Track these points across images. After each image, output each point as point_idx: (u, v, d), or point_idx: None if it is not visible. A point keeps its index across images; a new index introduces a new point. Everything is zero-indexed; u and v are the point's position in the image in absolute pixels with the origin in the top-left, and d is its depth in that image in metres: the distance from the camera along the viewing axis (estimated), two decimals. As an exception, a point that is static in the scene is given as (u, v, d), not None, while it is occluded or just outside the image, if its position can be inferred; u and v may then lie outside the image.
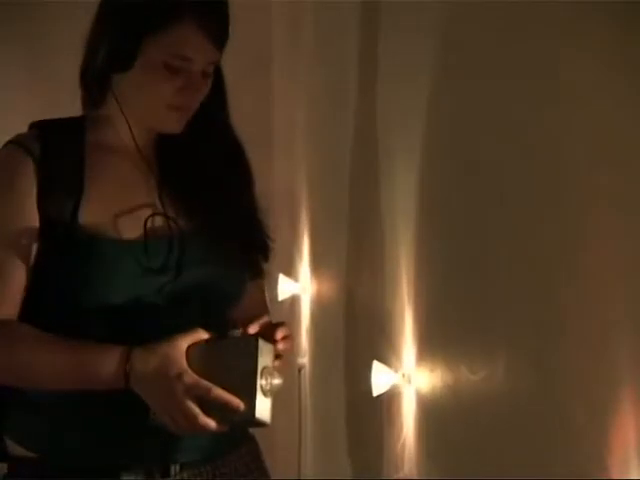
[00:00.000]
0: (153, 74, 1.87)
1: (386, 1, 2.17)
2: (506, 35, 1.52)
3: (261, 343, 1.81)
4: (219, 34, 1.91)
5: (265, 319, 1.89)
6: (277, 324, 1.91)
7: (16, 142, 1.93)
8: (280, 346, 1.87)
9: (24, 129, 1.97)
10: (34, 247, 1.90)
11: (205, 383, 1.79)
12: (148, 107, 1.92)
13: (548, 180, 1.40)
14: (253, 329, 1.85)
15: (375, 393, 2.05)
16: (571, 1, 1.32)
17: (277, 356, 1.87)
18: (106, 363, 1.81)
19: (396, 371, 2.04)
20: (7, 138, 1.96)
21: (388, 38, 2.17)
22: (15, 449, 1.96)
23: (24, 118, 2.01)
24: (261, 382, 1.79)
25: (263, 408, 1.80)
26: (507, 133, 1.54)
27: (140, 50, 1.87)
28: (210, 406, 1.79)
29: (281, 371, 1.88)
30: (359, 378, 2.20)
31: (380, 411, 2.19)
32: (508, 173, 1.54)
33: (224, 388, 1.79)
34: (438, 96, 1.86)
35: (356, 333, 2.44)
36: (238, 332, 1.84)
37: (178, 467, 1.93)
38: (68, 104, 2.00)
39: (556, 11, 1.35)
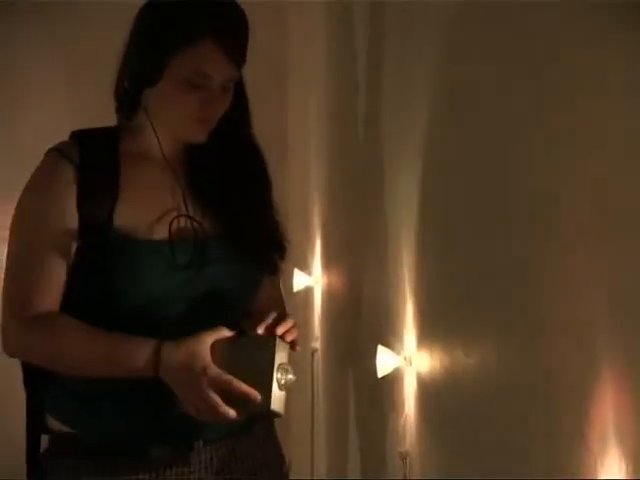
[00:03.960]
0: (177, 89, 1.87)
1: (392, 19, 2.17)
2: (508, 36, 1.48)
3: (278, 342, 1.82)
4: (237, 54, 1.89)
5: (272, 317, 1.88)
6: (280, 318, 1.90)
7: (57, 150, 1.92)
8: (287, 338, 1.87)
9: (65, 137, 1.97)
10: (73, 246, 1.89)
11: (227, 376, 1.80)
12: (173, 119, 1.91)
13: (541, 180, 1.39)
14: (260, 330, 1.86)
15: (380, 375, 2.04)
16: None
17: (292, 345, 1.89)
18: (139, 354, 1.82)
19: (398, 355, 2.04)
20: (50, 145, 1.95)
21: (394, 54, 2.16)
22: (55, 424, 1.96)
23: (66, 126, 2.01)
24: (277, 377, 1.80)
25: (278, 400, 1.81)
26: (504, 135, 1.53)
27: (165, 68, 1.86)
28: (230, 397, 1.79)
29: (291, 360, 1.90)
30: (365, 361, 2.20)
31: (384, 391, 2.19)
32: (502, 175, 1.54)
33: (243, 381, 1.79)
34: (439, 106, 1.85)
35: (362, 320, 2.44)
36: (257, 332, 1.85)
37: (201, 443, 1.93)
38: (107, 114, 2.00)
39: (558, 10, 1.30)
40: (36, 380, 2.01)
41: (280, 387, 1.81)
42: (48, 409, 1.98)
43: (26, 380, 2.03)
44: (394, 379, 2.07)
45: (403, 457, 2.03)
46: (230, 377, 1.79)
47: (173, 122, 1.91)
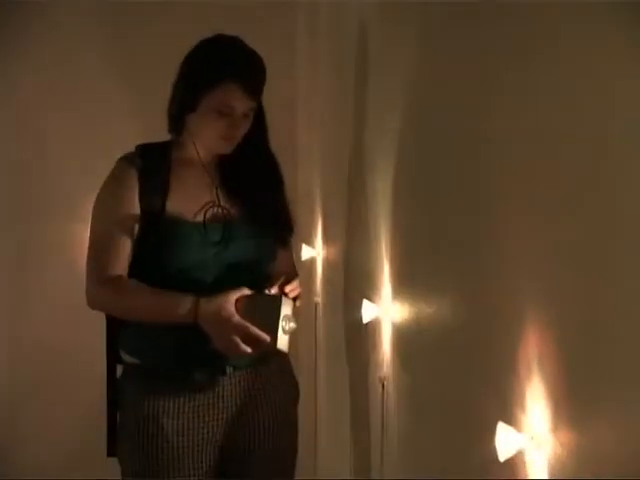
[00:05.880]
0: (209, 116, 1.89)
1: (374, 52, 2.13)
2: (478, 49, 1.40)
3: (284, 299, 1.85)
4: (254, 91, 1.91)
5: (281, 280, 1.90)
6: (288, 280, 1.92)
7: (125, 158, 1.95)
8: (291, 295, 1.89)
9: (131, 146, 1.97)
10: (136, 227, 1.89)
11: (245, 323, 1.82)
12: (206, 137, 1.92)
13: (486, 171, 1.36)
14: (273, 290, 1.88)
15: (364, 321, 2.03)
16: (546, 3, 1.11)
17: (296, 300, 1.92)
18: (182, 307, 1.84)
19: (378, 306, 2.02)
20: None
21: (376, 76, 2.13)
22: (126, 357, 1.97)
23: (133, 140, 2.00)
24: (282, 324, 1.82)
25: (283, 341, 1.84)
26: (460, 141, 1.50)
27: (201, 101, 1.87)
28: (248, 339, 1.82)
29: (299, 308, 1.92)
30: (354, 311, 2.18)
31: (367, 333, 2.17)
32: (457, 172, 1.50)
33: (257, 327, 1.81)
34: (409, 120, 1.81)
35: (352, 281, 2.43)
36: (269, 291, 1.87)
37: (232, 369, 1.93)
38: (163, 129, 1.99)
39: (533, 17, 1.15)
40: (113, 325, 2.01)
41: (284, 332, 1.83)
42: (121, 346, 1.98)
43: (107, 325, 2.04)
44: (375, 324, 2.05)
45: (381, 381, 2.01)
46: (248, 324, 1.81)
47: (206, 139, 1.93)
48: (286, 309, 1.83)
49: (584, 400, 1.02)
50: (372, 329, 2.09)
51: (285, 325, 1.82)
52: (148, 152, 1.94)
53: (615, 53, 0.94)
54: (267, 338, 1.81)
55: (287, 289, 1.88)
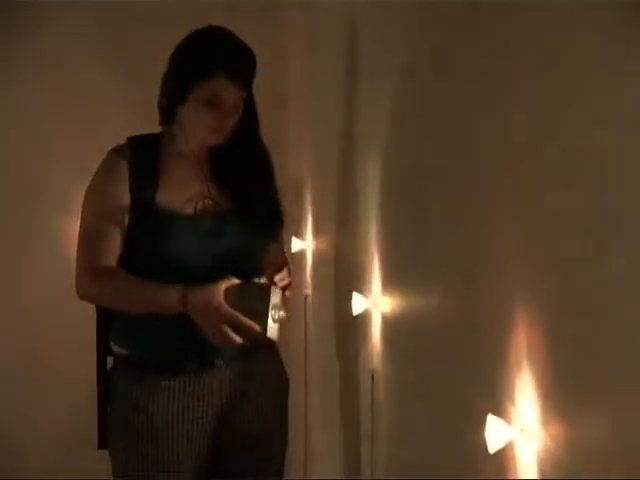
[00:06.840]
0: (199, 108, 1.87)
1: (363, 52, 2.13)
2: (463, 51, 1.41)
3: (273, 288, 1.84)
4: (243, 82, 1.90)
5: (271, 270, 1.90)
6: (279, 270, 1.91)
7: (116, 150, 1.93)
8: (280, 284, 1.88)
9: (122, 139, 1.96)
10: (126, 219, 1.88)
11: (235, 313, 1.81)
12: (196, 128, 1.91)
13: (471, 172, 1.36)
14: (263, 279, 1.86)
15: (354, 313, 2.03)
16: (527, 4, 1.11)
17: (286, 289, 1.90)
18: (172, 296, 1.83)
19: (367, 299, 2.02)
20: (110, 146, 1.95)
21: (366, 76, 2.13)
22: (116, 348, 1.96)
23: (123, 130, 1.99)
24: (272, 313, 1.82)
25: (272, 330, 1.83)
26: (446, 136, 1.50)
27: (190, 92, 1.86)
28: (237, 328, 1.80)
29: (289, 300, 1.91)
30: (344, 304, 2.18)
31: (357, 325, 2.17)
32: (442, 171, 1.50)
33: (247, 317, 1.80)
34: (396, 120, 1.81)
35: (341, 274, 2.42)
36: (258, 280, 1.85)
37: (221, 361, 1.93)
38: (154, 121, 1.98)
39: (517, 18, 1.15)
40: (103, 317, 2.01)
41: (274, 321, 1.83)
42: (111, 337, 1.98)
43: (97, 317, 2.03)
44: (364, 317, 2.05)
45: (371, 374, 2.01)
46: (238, 314, 1.81)
47: (196, 130, 1.91)
48: (275, 298, 1.83)
49: (573, 393, 1.02)
50: (362, 321, 2.09)
51: (275, 314, 1.82)
52: (139, 144, 1.93)
53: (612, 56, 0.94)
54: (257, 327, 1.81)
55: (276, 278, 1.88)
